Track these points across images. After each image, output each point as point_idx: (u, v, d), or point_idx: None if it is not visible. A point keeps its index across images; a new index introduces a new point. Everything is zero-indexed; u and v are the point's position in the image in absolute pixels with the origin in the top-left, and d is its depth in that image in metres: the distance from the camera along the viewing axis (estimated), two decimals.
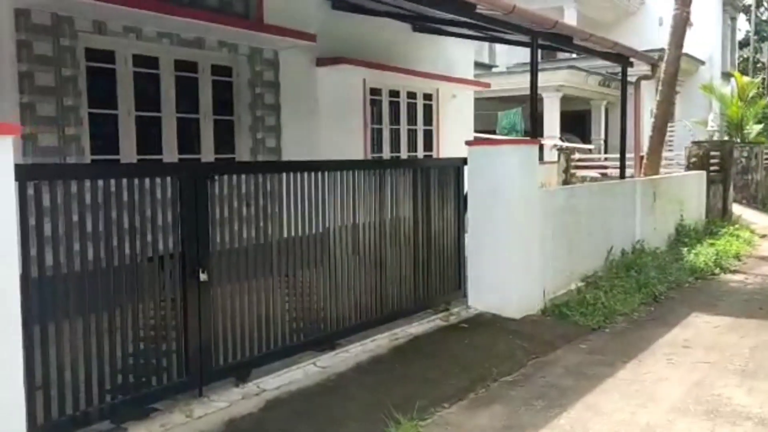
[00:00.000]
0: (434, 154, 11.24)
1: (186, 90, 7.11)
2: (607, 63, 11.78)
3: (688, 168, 12.77)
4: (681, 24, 10.45)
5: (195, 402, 3.96)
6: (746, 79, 19.62)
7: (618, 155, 11.47)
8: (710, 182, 12.43)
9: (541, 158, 17.52)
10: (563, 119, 19.13)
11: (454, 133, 11.14)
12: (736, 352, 5.45)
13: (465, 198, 6.39)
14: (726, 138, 18.18)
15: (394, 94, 10.59)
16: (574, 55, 19.09)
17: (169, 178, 3.76)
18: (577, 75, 17.97)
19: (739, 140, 17.68)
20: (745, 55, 33.10)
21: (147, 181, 3.65)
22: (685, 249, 9.52)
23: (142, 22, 6.40)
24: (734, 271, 8.98)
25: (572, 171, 15.51)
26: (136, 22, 6.37)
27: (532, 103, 7.02)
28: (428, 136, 11.34)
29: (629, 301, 6.89)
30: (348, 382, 4.48)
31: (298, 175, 4.61)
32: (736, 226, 12.19)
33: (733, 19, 26.71)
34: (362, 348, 5.12)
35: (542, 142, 16.98)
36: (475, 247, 6.36)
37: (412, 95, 10.94)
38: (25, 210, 3.10)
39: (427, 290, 6.00)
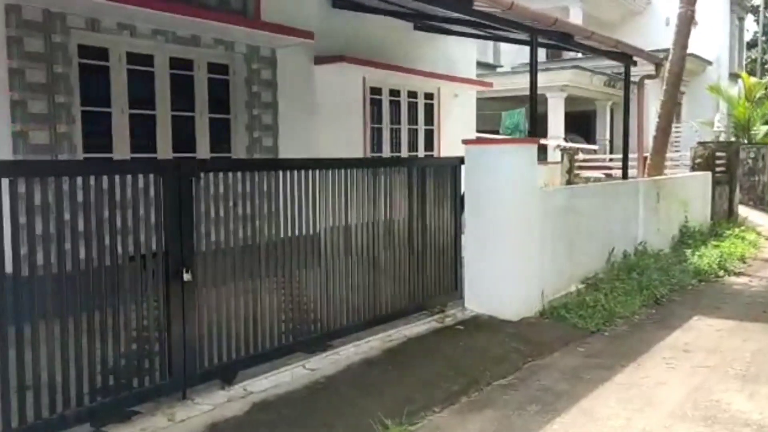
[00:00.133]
0: (435, 154, 11.15)
1: (181, 88, 7.04)
2: (613, 63, 11.66)
3: (693, 169, 12.62)
4: (686, 23, 10.30)
5: (178, 405, 3.88)
6: (753, 79, 19.40)
7: (630, 155, 11.35)
8: (716, 183, 12.28)
9: (544, 158, 17.48)
10: (568, 120, 18.97)
11: (455, 133, 11.00)
12: (738, 356, 5.33)
13: (462, 198, 6.29)
14: (733, 139, 17.99)
15: (395, 93, 10.50)
16: (579, 55, 18.98)
17: (151, 176, 3.68)
18: (582, 75, 17.82)
19: (746, 141, 17.49)
20: (753, 56, 32.83)
21: (129, 178, 3.57)
22: (689, 251, 9.37)
23: (136, 19, 6.33)
24: (738, 274, 8.83)
25: (576, 172, 15.37)
26: (130, 19, 6.30)
27: (532, 102, 6.91)
28: (429, 135, 11.25)
29: (630, 303, 6.77)
30: (337, 384, 4.39)
31: (288, 173, 4.52)
32: (742, 228, 12.03)
33: (741, 19, 26.46)
34: (354, 350, 5.03)
35: (545, 142, 16.87)
36: (472, 247, 6.25)
37: (413, 94, 10.85)
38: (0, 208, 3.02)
39: (422, 291, 5.89)
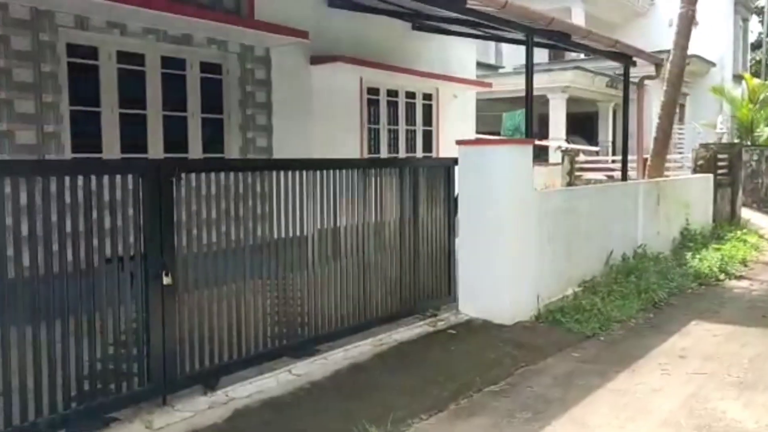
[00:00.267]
0: (434, 155, 11.05)
1: (173, 87, 6.96)
2: (615, 64, 11.54)
3: (695, 171, 12.48)
4: (687, 23, 10.18)
5: (158, 411, 3.79)
6: (757, 81, 19.27)
7: (630, 157, 11.22)
8: (718, 185, 12.14)
9: (545, 160, 17.37)
10: (571, 121, 18.85)
11: (455, 134, 10.89)
12: (735, 362, 5.21)
13: (456, 199, 6.19)
14: (736, 140, 17.86)
15: (393, 93, 10.41)
16: (581, 56, 18.86)
17: (130, 176, 3.59)
18: (584, 76, 17.70)
19: (749, 143, 17.34)
20: (757, 58, 32.62)
21: (105, 179, 3.48)
22: (690, 254, 9.25)
23: (127, 18, 6.25)
24: (739, 277, 8.70)
25: (578, 173, 15.25)
26: (119, 18, 6.23)
27: (528, 103, 6.80)
28: (428, 136, 11.15)
29: (627, 307, 6.65)
30: (322, 391, 4.29)
31: (274, 174, 4.43)
32: (744, 230, 11.90)
33: (745, 20, 26.28)
34: (343, 355, 4.93)
35: (546, 143, 16.76)
36: (465, 250, 6.15)
37: (411, 95, 10.75)
38: None
39: (414, 295, 5.80)
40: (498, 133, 18.09)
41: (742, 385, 4.69)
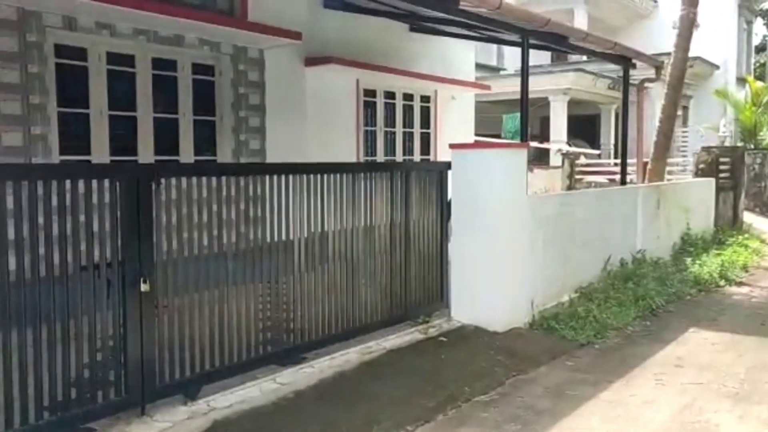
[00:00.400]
0: (432, 158, 10.95)
1: (164, 89, 6.88)
2: (617, 66, 11.43)
3: (697, 174, 12.36)
4: (688, 25, 10.06)
5: (136, 421, 3.70)
6: (760, 84, 19.12)
7: (630, 160, 11.09)
8: (720, 189, 12.01)
9: (547, 163, 17.27)
10: (573, 123, 18.75)
11: (453, 136, 10.78)
12: (732, 372, 5.10)
13: (449, 204, 6.09)
14: (739, 144, 17.72)
15: (390, 95, 10.31)
16: (584, 58, 18.74)
17: (107, 181, 3.50)
18: (585, 78, 17.58)
19: (752, 146, 17.20)
20: (762, 60, 32.45)
21: (81, 183, 3.39)
22: (690, 259, 9.13)
23: (116, 18, 6.17)
24: (740, 283, 8.57)
25: (579, 176, 15.14)
26: (109, 19, 6.15)
27: (523, 105, 6.70)
28: (426, 139, 11.05)
29: (623, 314, 6.54)
30: (306, 400, 4.20)
31: (258, 178, 4.34)
32: (746, 235, 11.75)
33: (750, 23, 26.09)
34: (329, 362, 4.84)
35: (547, 146, 16.66)
36: (458, 255, 6.06)
37: (408, 97, 10.66)
38: None
39: (405, 301, 5.70)
40: (499, 136, 17.99)
41: (738, 396, 4.58)
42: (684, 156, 19.04)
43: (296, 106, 8.36)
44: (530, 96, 16.71)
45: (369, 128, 9.98)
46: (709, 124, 19.04)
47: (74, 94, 6.13)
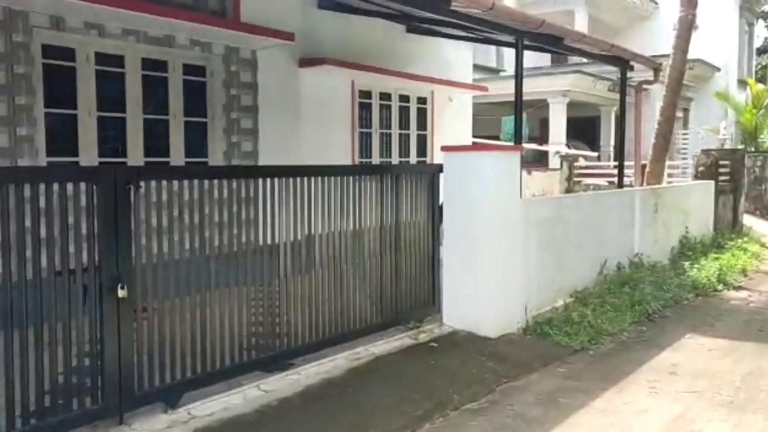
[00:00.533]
0: (428, 160, 10.86)
1: (154, 90, 6.80)
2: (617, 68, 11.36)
3: (696, 177, 12.25)
4: (686, 27, 9.97)
5: (113, 430, 3.61)
6: (760, 86, 19.01)
7: (629, 163, 11.00)
8: (719, 192, 11.91)
9: (546, 165, 17.17)
10: (573, 125, 18.65)
11: (450, 138, 10.74)
12: (727, 379, 5.00)
13: (441, 207, 6.00)
14: (740, 146, 17.62)
15: (386, 97, 10.22)
16: (584, 60, 18.65)
17: (83, 184, 3.42)
18: (585, 80, 17.47)
19: (753, 149, 17.10)
20: (763, 62, 32.33)
21: (56, 186, 3.31)
22: (688, 263, 9.02)
23: (105, 18, 6.09)
24: (738, 288, 8.47)
25: (577, 179, 15.04)
26: (97, 18, 6.07)
27: (517, 108, 6.61)
28: (422, 141, 10.96)
29: (619, 319, 6.44)
30: (290, 408, 4.11)
31: (242, 181, 4.25)
32: (746, 238, 11.64)
33: (751, 25, 25.99)
34: (316, 369, 4.75)
35: (546, 148, 16.56)
36: (450, 260, 5.96)
37: (404, 98, 10.57)
38: None
39: (396, 306, 5.60)
40: (498, 138, 17.90)
41: (732, 405, 4.48)
42: (684, 158, 18.95)
43: (290, 108, 8.28)
44: (529, 98, 16.71)
45: (364, 130, 9.90)
46: (710, 127, 18.95)
47: (62, 94, 6.06)
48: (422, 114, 10.95)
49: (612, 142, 20.13)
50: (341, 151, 9.24)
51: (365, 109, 9.89)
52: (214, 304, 4.15)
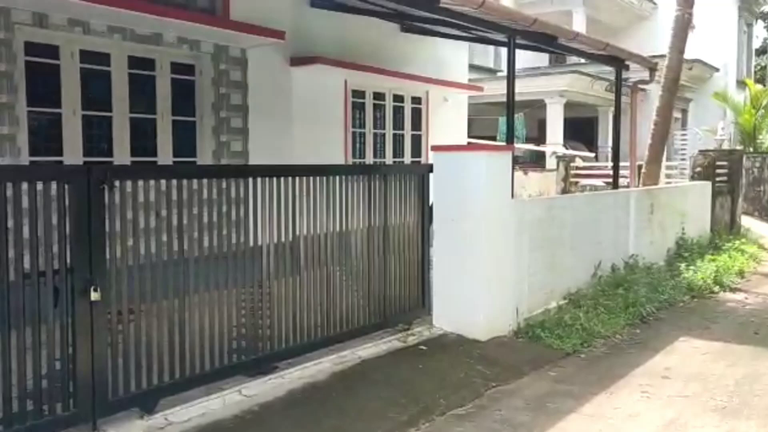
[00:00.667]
0: (423, 161, 10.76)
1: (142, 88, 6.70)
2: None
3: (693, 178, 12.15)
4: (683, 26, 9.87)
5: None
6: (759, 87, 18.92)
7: (625, 163, 10.90)
8: (717, 193, 11.80)
9: (543, 166, 17.07)
10: (571, 126, 18.56)
11: (445, 138, 10.65)
12: (721, 384, 4.90)
13: (431, 208, 5.90)
14: (739, 147, 17.53)
15: (380, 96, 10.13)
16: (582, 60, 18.55)
17: (54, 183, 3.32)
18: (582, 80, 17.38)
19: (752, 150, 17.01)
20: (762, 63, 32.24)
21: (25, 186, 3.21)
22: (684, 264, 8.91)
23: (89, 15, 5.99)
24: (735, 290, 8.36)
25: (575, 179, 14.94)
26: (82, 15, 5.97)
27: (509, 107, 6.51)
28: (417, 141, 10.86)
29: (612, 322, 6.34)
30: (271, 414, 4.00)
31: (223, 181, 4.15)
32: (743, 240, 11.54)
33: (750, 25, 25.90)
34: (300, 373, 4.64)
35: (542, 148, 16.46)
36: (440, 261, 5.86)
37: (399, 98, 10.48)
38: None
39: (384, 308, 5.50)
40: (495, 138, 17.80)
41: (725, 411, 4.38)
42: (683, 159, 18.83)
43: (281, 107, 8.18)
44: (527, 98, 16.62)
45: (358, 130, 9.80)
46: (708, 127, 18.86)
47: (46, 93, 5.96)
48: (417, 114, 10.85)
49: (610, 143, 20.02)
50: (334, 152, 9.14)
51: (359, 108, 9.80)
52: (194, 307, 4.04)
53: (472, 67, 16.84)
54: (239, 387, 4.30)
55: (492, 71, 20.92)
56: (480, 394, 4.61)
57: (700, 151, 12.84)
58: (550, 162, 15.86)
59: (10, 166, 5.21)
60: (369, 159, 9.92)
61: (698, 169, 11.94)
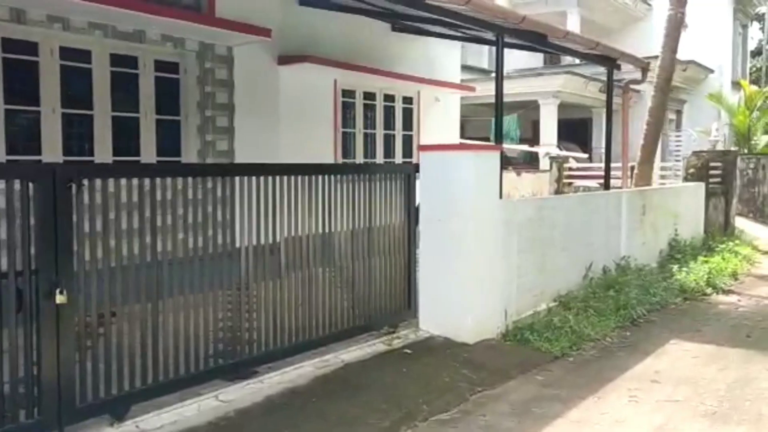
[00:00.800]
0: (414, 161, 10.65)
1: (124, 87, 6.58)
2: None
3: (686, 179, 12.06)
4: (675, 26, 9.78)
5: None
6: (753, 88, 18.88)
7: (617, 164, 10.82)
8: (710, 194, 11.72)
9: (537, 167, 16.97)
10: (565, 127, 18.47)
11: (437, 138, 10.53)
12: (711, 388, 4.79)
13: (417, 209, 5.79)
14: (733, 148, 17.47)
15: (370, 96, 10.02)
16: (576, 61, 18.48)
17: (17, 182, 3.19)
18: (576, 81, 17.29)
19: (746, 151, 16.95)
20: (758, 65, 32.23)
21: None
22: (677, 266, 8.82)
23: (69, 11, 5.87)
24: (728, 292, 8.26)
25: (568, 180, 14.85)
26: (61, 11, 5.84)
27: (498, 107, 6.40)
28: (408, 141, 10.76)
29: (602, 324, 6.23)
30: (248, 419, 3.89)
31: (198, 180, 4.03)
32: (737, 241, 11.44)
33: (745, 27, 25.88)
34: (280, 377, 4.53)
35: (536, 149, 16.38)
36: (427, 262, 5.75)
37: (389, 98, 10.37)
38: None
39: (369, 311, 5.38)
40: (489, 139, 17.70)
41: (715, 416, 4.28)
42: (678, 160, 18.75)
43: (268, 106, 8.07)
44: (520, 99, 16.51)
45: (348, 130, 9.70)
46: (703, 129, 18.81)
47: (24, 90, 5.84)
48: (408, 114, 10.75)
49: (604, 144, 19.94)
50: (323, 152, 9.03)
51: (349, 108, 9.70)
52: (169, 310, 3.92)
53: (466, 68, 16.78)
54: (216, 392, 4.18)
55: (486, 72, 20.83)
56: (465, 399, 4.50)
57: (694, 152, 12.75)
58: (544, 163, 15.77)
59: None
60: (359, 159, 9.81)
61: (691, 170, 11.86)
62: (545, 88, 16.99)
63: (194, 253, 4.03)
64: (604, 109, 19.47)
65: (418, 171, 5.75)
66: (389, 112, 10.39)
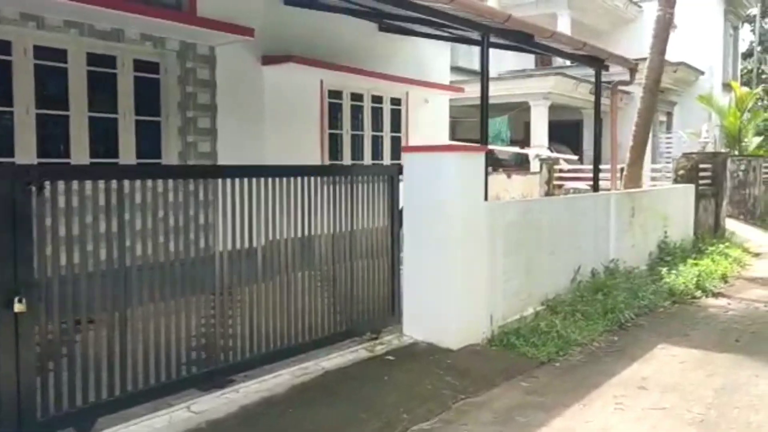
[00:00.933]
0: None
1: (102, 87, 6.44)
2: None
3: (676, 181, 11.99)
4: (664, 26, 9.71)
5: None
6: (744, 89, 18.87)
7: (606, 166, 10.73)
8: (700, 196, 11.65)
9: (527, 168, 16.89)
10: (556, 129, 18.38)
11: (425, 140, 10.43)
12: (699, 394, 4.69)
13: (401, 211, 5.67)
14: (724, 150, 17.45)
15: (357, 97, 9.90)
16: (567, 63, 18.43)
17: None
18: (566, 82, 17.22)
19: (737, 152, 16.92)
20: (749, 67, 32.31)
21: None
22: (666, 269, 8.73)
23: (43, 9, 5.72)
24: (717, 295, 8.18)
25: (557, 182, 14.78)
26: (35, 9, 5.70)
27: (483, 109, 6.32)
28: (397, 143, 10.64)
29: (590, 328, 6.12)
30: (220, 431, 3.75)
31: (170, 183, 3.90)
32: (727, 243, 11.38)
33: (736, 28, 25.91)
34: (257, 386, 4.39)
35: (526, 151, 16.29)
36: (411, 266, 5.63)
37: (377, 99, 10.26)
38: None
39: (351, 316, 5.26)
40: (478, 141, 17.60)
41: (703, 424, 4.17)
42: (668, 162, 18.72)
43: (252, 107, 7.94)
44: (511, 100, 16.42)
45: (335, 131, 9.57)
46: (693, 130, 18.77)
47: None
48: (396, 115, 10.64)
49: None
50: (309, 153, 8.91)
51: (336, 109, 9.57)
52: (139, 318, 3.78)
53: (456, 69, 16.69)
54: (189, 402, 4.04)
55: (477, 73, 20.66)
56: (447, 407, 4.37)
57: (684, 153, 12.69)
58: (535, 165, 15.69)
59: None
60: (347, 161, 9.69)
61: (681, 171, 11.79)
62: (536, 89, 16.92)
63: (166, 258, 3.89)
64: None
65: (401, 173, 5.63)
66: (377, 114, 10.28)
